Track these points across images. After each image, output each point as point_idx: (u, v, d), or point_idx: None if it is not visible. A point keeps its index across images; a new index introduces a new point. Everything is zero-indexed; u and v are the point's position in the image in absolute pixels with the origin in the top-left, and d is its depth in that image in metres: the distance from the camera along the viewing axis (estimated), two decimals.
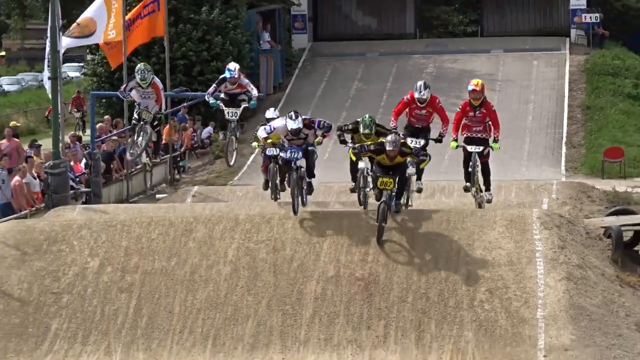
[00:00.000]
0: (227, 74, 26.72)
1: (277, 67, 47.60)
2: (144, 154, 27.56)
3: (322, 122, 24.19)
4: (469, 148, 25.34)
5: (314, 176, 24.20)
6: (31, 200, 28.25)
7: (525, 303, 20.68)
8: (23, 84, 71.97)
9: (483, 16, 54.53)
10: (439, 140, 25.40)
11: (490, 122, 25.39)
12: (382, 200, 22.59)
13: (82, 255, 21.88)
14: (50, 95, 33.01)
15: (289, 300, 20.65)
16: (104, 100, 42.72)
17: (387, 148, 22.64)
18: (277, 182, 24.51)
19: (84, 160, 32.31)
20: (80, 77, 57.39)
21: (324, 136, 24.29)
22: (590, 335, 20.21)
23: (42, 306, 21.02)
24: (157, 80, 26.77)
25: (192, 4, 45.06)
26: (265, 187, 25.50)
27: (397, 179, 22.96)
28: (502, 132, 24.16)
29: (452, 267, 21.54)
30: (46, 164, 29.12)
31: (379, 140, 23.17)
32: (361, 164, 23.65)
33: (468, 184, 25.74)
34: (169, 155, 37.07)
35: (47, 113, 51.83)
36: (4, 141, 33.93)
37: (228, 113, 26.93)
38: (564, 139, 41.34)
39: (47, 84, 32.94)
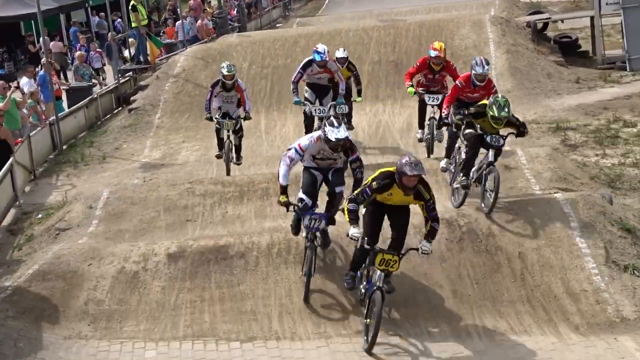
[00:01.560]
0: (315, 57, 15.16)
1: None
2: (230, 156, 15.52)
3: (360, 167, 10.88)
4: (427, 99, 14.85)
5: (333, 222, 11.01)
6: (208, 33, 27.97)
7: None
8: None
9: None
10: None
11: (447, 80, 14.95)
12: (375, 286, 10.00)
13: (239, 60, 21.32)
14: None
15: None
16: None
17: (407, 172, 9.70)
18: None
19: (235, 9, 31.79)
20: None
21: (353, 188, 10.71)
22: (522, 83, 19.84)
23: None
24: (240, 82, 15.56)
25: None
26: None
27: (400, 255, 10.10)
28: None
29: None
30: (214, 12, 28.85)
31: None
32: (353, 230, 10.03)
33: (420, 132, 15.31)
34: (281, 2, 36.35)
35: None
36: (192, 1, 33.43)
37: (316, 110, 15.34)
38: None
39: None
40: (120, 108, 21.86)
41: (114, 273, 11.85)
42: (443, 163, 13.57)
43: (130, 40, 25.37)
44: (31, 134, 17.41)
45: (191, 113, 20.10)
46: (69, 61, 26.42)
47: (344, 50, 16.71)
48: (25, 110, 18.29)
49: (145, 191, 14.41)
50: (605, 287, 11.07)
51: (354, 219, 10.11)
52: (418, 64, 15.03)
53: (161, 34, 30.37)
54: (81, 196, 14.87)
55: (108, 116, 21.38)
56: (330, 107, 15.32)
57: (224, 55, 21.89)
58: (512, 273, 11.46)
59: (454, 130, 13.06)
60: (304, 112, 15.53)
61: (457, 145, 13.23)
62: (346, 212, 10.17)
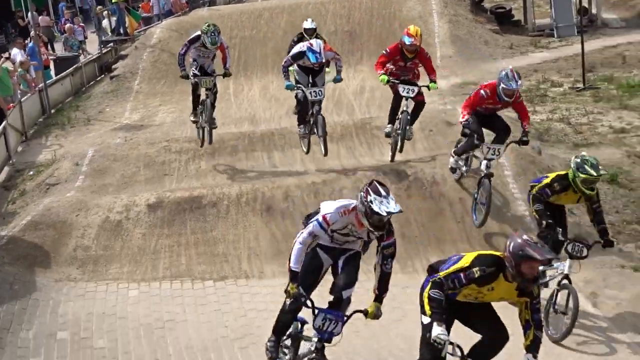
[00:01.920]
0: (310, 57, 11.76)
1: None
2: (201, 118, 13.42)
3: (392, 256, 7.03)
4: (401, 90, 11.78)
5: (330, 340, 7.08)
6: (182, 7, 27.50)
7: (429, 36, 20.07)
8: None
9: None
10: (524, 142, 10.83)
11: (421, 68, 12.10)
12: None
13: None
14: None
15: None
16: None
17: (537, 257, 6.14)
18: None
19: None
20: None
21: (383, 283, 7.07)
22: (462, 49, 19.66)
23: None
24: (223, 40, 13.28)
25: None
26: None
27: None
28: None
29: (388, 21, 20.77)
30: None
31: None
32: (438, 331, 6.19)
33: (389, 126, 12.18)
34: None
35: None
36: None
37: (311, 93, 11.96)
38: None
39: None
40: (103, 75, 21.57)
41: (99, 222, 11.78)
42: (452, 162, 11.58)
43: (105, 12, 25.16)
44: (22, 100, 17.16)
45: (167, 79, 19.83)
46: (56, 33, 26.02)
47: (312, 21, 15.13)
48: (15, 78, 18.03)
49: (126, 149, 14.29)
50: (535, 226, 11.20)
51: (438, 313, 6.37)
52: (388, 51, 11.86)
53: (138, 8, 29.90)
54: (68, 155, 14.72)
55: (92, 83, 21.10)
56: (327, 83, 12.24)
57: (196, 27, 21.44)
58: (453, 216, 11.54)
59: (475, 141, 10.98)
60: (296, 97, 12.18)
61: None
62: (426, 301, 6.45)
